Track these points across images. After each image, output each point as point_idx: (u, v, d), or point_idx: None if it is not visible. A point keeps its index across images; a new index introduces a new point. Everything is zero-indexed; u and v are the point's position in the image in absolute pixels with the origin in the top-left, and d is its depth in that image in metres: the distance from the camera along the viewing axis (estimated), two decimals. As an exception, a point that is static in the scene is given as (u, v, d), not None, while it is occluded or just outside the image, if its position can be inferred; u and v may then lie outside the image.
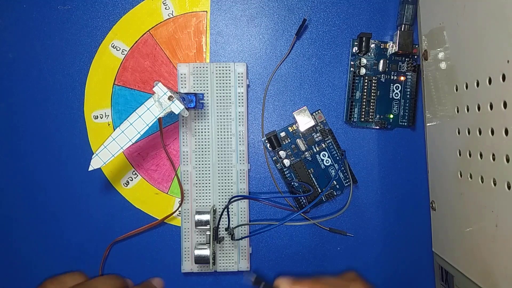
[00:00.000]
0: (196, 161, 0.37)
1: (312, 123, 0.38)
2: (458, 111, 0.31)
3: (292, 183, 0.38)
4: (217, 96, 0.37)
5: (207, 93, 0.37)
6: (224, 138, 0.37)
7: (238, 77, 0.37)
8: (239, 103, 0.37)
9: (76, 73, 0.38)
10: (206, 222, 0.35)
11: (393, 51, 0.38)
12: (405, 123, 0.39)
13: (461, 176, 0.31)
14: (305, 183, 0.38)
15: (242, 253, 0.37)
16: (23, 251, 0.38)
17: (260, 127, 0.39)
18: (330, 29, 0.39)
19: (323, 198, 0.39)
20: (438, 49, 0.34)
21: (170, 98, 0.31)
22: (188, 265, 0.37)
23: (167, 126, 0.38)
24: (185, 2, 0.38)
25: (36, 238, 0.38)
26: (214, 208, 0.37)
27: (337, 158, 0.38)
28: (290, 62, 0.39)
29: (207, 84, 0.37)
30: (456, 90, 0.31)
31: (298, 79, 0.39)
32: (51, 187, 0.38)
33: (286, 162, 0.38)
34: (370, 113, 0.38)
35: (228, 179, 0.37)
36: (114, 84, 0.38)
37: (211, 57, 0.39)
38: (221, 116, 0.37)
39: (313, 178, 0.38)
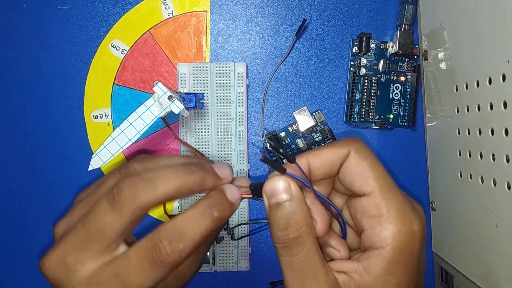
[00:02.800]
0: (196, 161, 0.37)
1: (312, 123, 0.38)
2: (458, 111, 0.31)
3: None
4: (217, 96, 0.37)
5: (207, 93, 0.37)
6: (224, 138, 0.37)
7: (238, 77, 0.37)
8: (239, 103, 0.37)
9: (76, 72, 0.38)
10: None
11: (393, 51, 0.38)
12: (405, 123, 0.39)
13: (461, 176, 0.31)
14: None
15: (242, 253, 0.37)
16: (24, 251, 0.38)
17: (260, 127, 0.39)
18: (330, 29, 0.39)
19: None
20: (438, 49, 0.34)
21: (170, 97, 0.31)
22: (187, 265, 0.37)
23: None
24: (185, 2, 0.38)
25: (37, 239, 0.38)
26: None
27: (337, 158, 0.38)
28: (290, 62, 0.39)
29: (207, 84, 0.37)
30: (456, 90, 0.31)
31: (298, 79, 0.39)
32: (51, 187, 0.38)
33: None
34: (370, 113, 0.38)
35: (228, 179, 0.37)
36: (114, 83, 0.38)
37: (211, 57, 0.39)
38: (221, 116, 0.37)
39: (313, 178, 0.38)
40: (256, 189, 0.25)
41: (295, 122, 0.38)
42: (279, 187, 0.23)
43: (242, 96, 0.37)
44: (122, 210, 0.22)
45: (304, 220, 0.22)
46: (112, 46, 0.38)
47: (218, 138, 0.37)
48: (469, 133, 0.29)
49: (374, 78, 0.38)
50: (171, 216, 0.38)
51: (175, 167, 0.23)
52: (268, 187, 0.23)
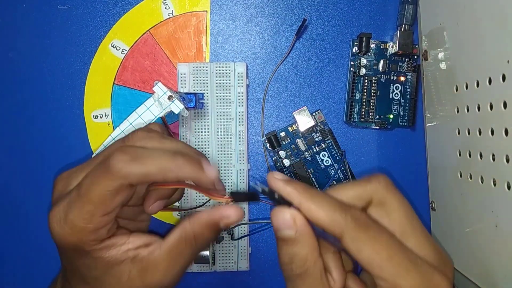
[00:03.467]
0: (195, 161, 0.37)
1: (312, 123, 0.38)
2: (458, 111, 0.31)
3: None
4: (217, 96, 0.37)
5: (207, 93, 0.37)
6: (224, 138, 0.37)
7: (238, 77, 0.37)
8: (239, 103, 0.37)
9: (76, 72, 0.38)
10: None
11: (393, 51, 0.38)
12: (405, 123, 0.39)
13: (461, 176, 0.31)
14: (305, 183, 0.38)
15: (241, 253, 0.37)
16: (23, 251, 0.38)
17: (260, 127, 0.39)
18: (330, 29, 0.39)
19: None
20: (438, 49, 0.34)
21: (170, 97, 0.31)
22: (187, 265, 0.37)
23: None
24: (185, 2, 0.38)
25: (36, 239, 0.38)
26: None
27: (337, 158, 0.38)
28: (290, 62, 0.39)
29: (207, 84, 0.37)
30: (456, 90, 0.31)
31: (298, 79, 0.39)
32: (51, 187, 0.38)
33: (286, 162, 0.38)
34: (370, 113, 0.38)
35: (228, 179, 0.37)
36: (114, 83, 0.38)
37: (211, 56, 0.39)
38: (221, 116, 0.37)
39: (313, 178, 0.38)
40: (237, 198, 0.24)
41: (295, 122, 0.38)
42: (284, 221, 0.22)
43: (242, 96, 0.37)
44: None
45: (308, 256, 0.22)
46: (112, 46, 0.38)
47: (218, 138, 0.37)
48: (469, 133, 0.29)
49: (374, 78, 0.38)
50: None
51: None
52: (274, 220, 0.22)
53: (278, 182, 0.22)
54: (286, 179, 0.22)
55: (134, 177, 0.22)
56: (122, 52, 0.38)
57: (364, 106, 0.38)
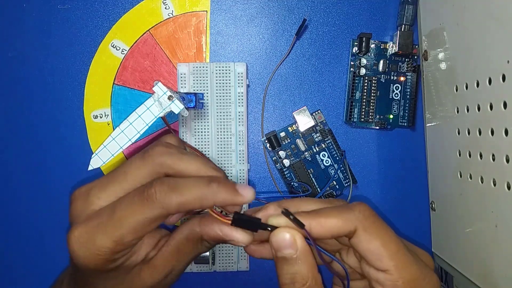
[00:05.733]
0: (195, 161, 0.37)
1: (312, 123, 0.38)
2: (458, 112, 0.31)
3: (292, 183, 0.38)
4: (217, 96, 0.37)
5: (207, 93, 0.37)
6: (224, 138, 0.37)
7: (238, 77, 0.37)
8: (239, 103, 0.37)
9: (75, 72, 0.38)
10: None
11: (393, 52, 0.38)
12: (405, 124, 0.39)
13: (461, 176, 0.31)
14: (305, 183, 0.38)
15: (241, 253, 0.37)
16: (23, 251, 0.38)
17: (260, 127, 0.39)
18: (330, 29, 0.39)
19: (323, 198, 0.39)
20: (438, 50, 0.34)
21: (170, 97, 0.31)
22: (187, 265, 0.37)
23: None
24: (185, 2, 0.38)
25: (36, 239, 0.38)
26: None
27: (337, 158, 0.38)
28: (290, 62, 0.39)
29: (207, 84, 0.37)
30: (456, 90, 0.31)
31: (298, 79, 0.39)
32: (50, 187, 0.38)
33: (286, 162, 0.38)
34: (370, 114, 0.38)
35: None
36: (113, 83, 0.38)
37: (211, 57, 0.39)
38: (221, 116, 0.37)
39: (313, 178, 0.38)
40: (239, 221, 0.24)
41: (295, 122, 0.38)
42: (285, 241, 0.22)
43: (242, 96, 0.37)
44: (147, 161, 0.25)
45: (309, 274, 0.22)
46: (112, 46, 0.38)
47: (218, 138, 0.37)
48: (469, 133, 0.29)
49: (374, 78, 0.38)
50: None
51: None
52: (274, 240, 0.23)
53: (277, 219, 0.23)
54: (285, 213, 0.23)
55: (174, 207, 0.23)
56: (122, 52, 0.38)
57: (364, 106, 0.38)
